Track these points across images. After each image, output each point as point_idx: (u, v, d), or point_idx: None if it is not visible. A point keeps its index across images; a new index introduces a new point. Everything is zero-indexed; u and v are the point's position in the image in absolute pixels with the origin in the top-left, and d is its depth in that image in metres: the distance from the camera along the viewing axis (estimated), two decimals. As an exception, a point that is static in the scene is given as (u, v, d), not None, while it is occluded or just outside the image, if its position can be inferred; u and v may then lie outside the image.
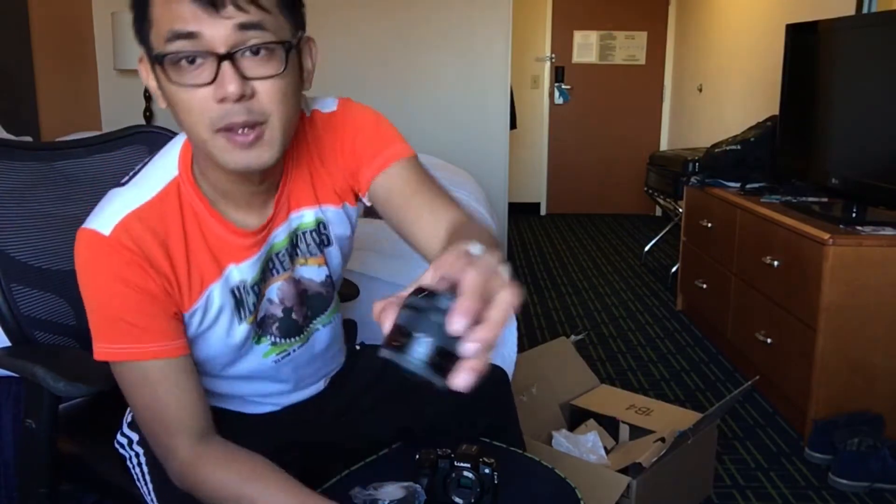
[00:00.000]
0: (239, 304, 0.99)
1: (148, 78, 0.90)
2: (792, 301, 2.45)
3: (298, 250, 1.05)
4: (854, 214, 2.44)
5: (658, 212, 6.05)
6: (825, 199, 2.73)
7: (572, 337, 2.51)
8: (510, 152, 4.34)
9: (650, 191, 4.43)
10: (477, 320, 0.55)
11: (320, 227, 1.05)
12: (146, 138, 1.35)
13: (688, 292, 3.59)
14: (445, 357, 0.54)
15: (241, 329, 1.00)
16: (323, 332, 1.12)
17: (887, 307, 2.24)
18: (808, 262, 2.33)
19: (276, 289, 1.04)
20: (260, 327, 1.04)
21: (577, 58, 6.21)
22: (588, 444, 1.96)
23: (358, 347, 1.31)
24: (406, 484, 1.04)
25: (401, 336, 0.55)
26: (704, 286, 3.27)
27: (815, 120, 2.70)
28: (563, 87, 6.22)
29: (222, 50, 0.82)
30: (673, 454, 1.80)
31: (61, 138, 2.14)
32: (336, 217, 1.06)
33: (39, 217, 1.21)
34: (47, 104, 3.52)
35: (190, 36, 0.81)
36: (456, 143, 4.15)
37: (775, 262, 2.55)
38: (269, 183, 0.99)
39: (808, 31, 2.73)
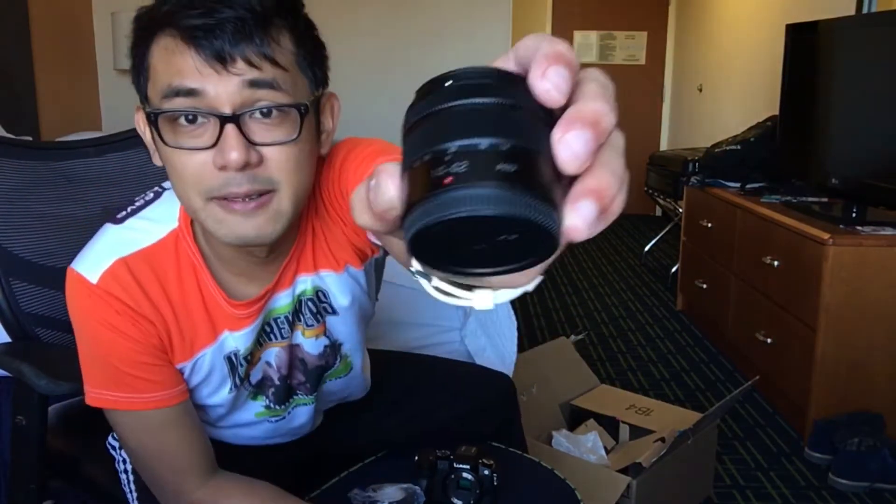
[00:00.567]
0: (233, 369, 0.92)
1: (144, 130, 0.79)
2: (792, 301, 2.44)
3: (301, 316, 0.95)
4: (854, 214, 2.44)
5: (658, 212, 6.04)
6: (825, 199, 2.72)
7: (572, 337, 2.51)
8: (510, 152, 4.33)
9: (650, 191, 4.43)
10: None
11: (319, 296, 0.94)
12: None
13: (688, 292, 3.58)
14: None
15: (234, 391, 0.94)
16: (329, 396, 1.07)
17: (887, 307, 2.23)
18: (808, 262, 2.33)
19: (274, 355, 0.96)
20: (257, 388, 0.98)
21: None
22: (588, 444, 1.96)
23: None
24: (405, 485, 1.04)
25: None
26: (704, 286, 3.26)
27: (815, 120, 2.69)
28: (564, 86, 6.22)
29: (227, 111, 0.71)
30: (673, 454, 1.80)
31: (61, 138, 2.14)
32: (338, 284, 0.93)
33: (37, 216, 1.21)
34: (47, 104, 3.52)
35: (191, 93, 0.71)
36: (456, 143, 4.14)
37: (775, 263, 2.55)
38: (276, 254, 0.87)
39: (808, 31, 2.72)
